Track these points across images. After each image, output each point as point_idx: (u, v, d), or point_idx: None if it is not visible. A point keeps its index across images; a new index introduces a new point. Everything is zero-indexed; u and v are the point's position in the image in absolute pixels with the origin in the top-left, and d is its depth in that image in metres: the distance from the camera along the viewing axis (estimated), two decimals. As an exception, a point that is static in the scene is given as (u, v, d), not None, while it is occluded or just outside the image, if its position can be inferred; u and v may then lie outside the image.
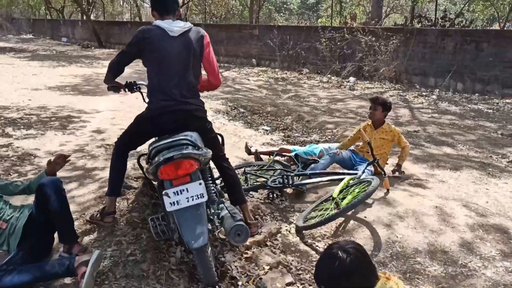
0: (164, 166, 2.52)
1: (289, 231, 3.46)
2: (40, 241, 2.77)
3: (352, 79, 12.59)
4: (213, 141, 3.13)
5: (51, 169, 3.02)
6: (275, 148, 5.47)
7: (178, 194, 2.49)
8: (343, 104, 9.57)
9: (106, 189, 3.74)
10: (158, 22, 2.98)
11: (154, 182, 3.59)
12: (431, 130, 7.16)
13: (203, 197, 2.55)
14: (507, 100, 9.81)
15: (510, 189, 4.40)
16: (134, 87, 3.35)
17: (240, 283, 2.72)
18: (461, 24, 13.19)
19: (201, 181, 2.58)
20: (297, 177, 4.33)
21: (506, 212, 3.83)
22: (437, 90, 11.00)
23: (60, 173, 4.37)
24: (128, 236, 2.97)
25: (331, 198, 3.71)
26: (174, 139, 2.65)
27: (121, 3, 34.90)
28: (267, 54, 15.85)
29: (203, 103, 3.11)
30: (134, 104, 7.89)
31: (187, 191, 2.51)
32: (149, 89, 3.02)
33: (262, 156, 5.22)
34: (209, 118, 7.67)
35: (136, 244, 2.87)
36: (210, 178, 3.03)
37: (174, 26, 2.94)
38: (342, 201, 3.57)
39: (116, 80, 3.20)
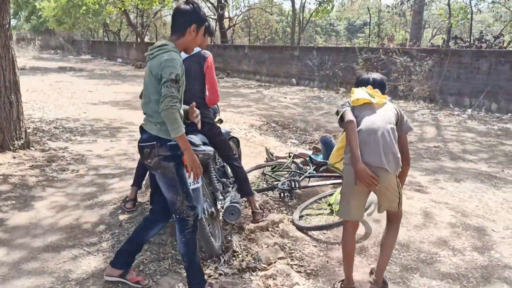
0: None
1: (291, 222, 4.03)
2: None
3: (387, 98, 12.93)
4: (221, 143, 3.76)
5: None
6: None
7: None
8: (372, 121, 9.97)
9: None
10: None
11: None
12: (451, 146, 7.49)
13: (199, 182, 3.16)
14: (539, 120, 9.87)
15: (504, 197, 4.75)
16: None
17: (240, 256, 3.33)
18: (499, 45, 13.28)
19: None
20: (308, 178, 4.88)
21: (491, 215, 4.23)
22: (470, 109, 11.18)
23: (105, 171, 5.20)
24: (154, 216, 3.67)
25: (323, 199, 4.30)
26: None
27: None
28: (306, 73, 16.49)
29: (210, 112, 3.76)
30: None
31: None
32: None
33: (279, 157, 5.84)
34: (242, 132, 8.34)
35: (159, 222, 3.57)
36: (213, 172, 3.69)
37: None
38: (337, 206, 4.13)
39: None
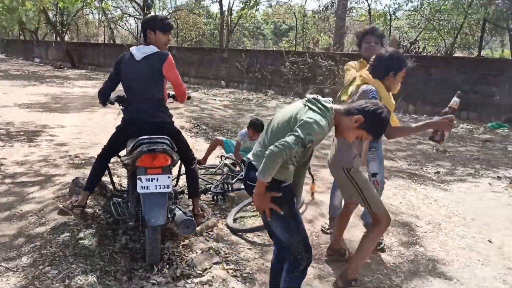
0: (145, 155, 3.09)
1: (225, 225, 3.99)
2: None
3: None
4: (184, 145, 3.72)
5: None
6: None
7: (149, 181, 3.05)
8: (301, 123, 10.21)
9: (64, 191, 4.27)
10: (132, 48, 3.58)
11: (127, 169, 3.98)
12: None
13: (169, 188, 3.10)
14: (451, 121, 10.64)
15: (425, 193, 5.06)
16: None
17: (174, 263, 3.22)
18: (414, 51, 14.19)
19: (170, 175, 3.15)
20: (241, 181, 4.86)
21: (414, 211, 4.48)
22: (390, 111, 11.81)
23: (23, 178, 4.84)
24: (80, 226, 3.46)
25: None
26: (158, 137, 3.21)
27: (96, 26, 35.36)
28: (236, 76, 16.53)
29: (169, 116, 3.62)
30: (101, 121, 8.38)
31: (157, 180, 3.07)
32: (125, 104, 3.61)
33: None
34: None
35: (86, 232, 3.36)
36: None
37: (139, 52, 3.49)
38: None
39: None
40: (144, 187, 3.04)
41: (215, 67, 17.35)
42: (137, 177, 3.07)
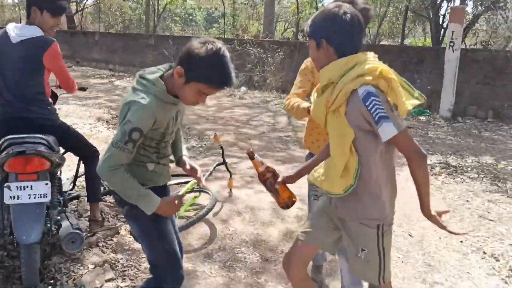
0: (14, 159, 2.54)
1: (129, 232, 3.56)
2: None
3: (243, 88, 13.03)
4: (78, 142, 3.21)
5: None
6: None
7: (20, 189, 2.52)
8: (229, 112, 9.88)
9: None
10: (9, 26, 2.97)
11: None
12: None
13: (46, 197, 2.58)
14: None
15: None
16: None
17: (59, 283, 2.75)
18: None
19: (48, 182, 2.62)
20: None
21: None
22: (318, 99, 11.79)
23: None
24: None
25: None
26: (30, 135, 2.68)
27: (15, 10, 32.66)
28: (163, 63, 15.76)
29: (49, 111, 3.05)
30: None
31: (31, 188, 2.54)
32: None
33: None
34: (87, 127, 7.48)
35: None
36: (57, 185, 3.06)
37: (18, 33, 2.90)
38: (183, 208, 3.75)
39: None
40: (14, 196, 2.51)
41: (141, 55, 16.51)
42: (5, 184, 2.54)
